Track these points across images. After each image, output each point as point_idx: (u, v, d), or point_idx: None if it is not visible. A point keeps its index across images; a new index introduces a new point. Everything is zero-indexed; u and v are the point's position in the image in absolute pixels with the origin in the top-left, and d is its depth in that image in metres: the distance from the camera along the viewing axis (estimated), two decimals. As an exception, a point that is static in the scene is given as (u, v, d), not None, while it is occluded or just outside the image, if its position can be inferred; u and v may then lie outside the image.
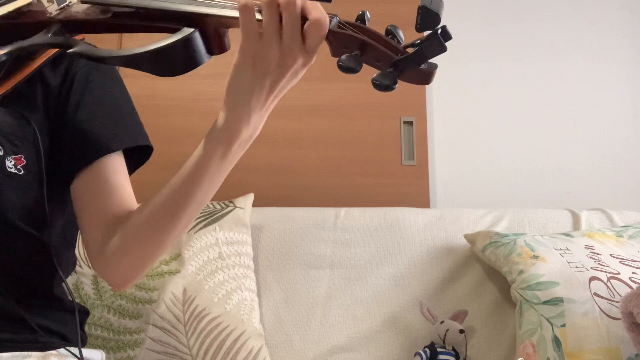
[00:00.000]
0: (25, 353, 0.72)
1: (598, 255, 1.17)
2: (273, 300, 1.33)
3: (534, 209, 1.47)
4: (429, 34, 0.55)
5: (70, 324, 0.83)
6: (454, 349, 1.19)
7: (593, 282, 1.09)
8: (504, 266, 1.22)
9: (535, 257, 1.17)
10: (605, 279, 1.10)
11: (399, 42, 0.58)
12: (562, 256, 1.17)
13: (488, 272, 1.33)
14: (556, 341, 1.04)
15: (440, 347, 1.18)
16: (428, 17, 0.54)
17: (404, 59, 0.56)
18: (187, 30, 0.60)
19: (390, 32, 0.59)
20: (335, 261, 1.38)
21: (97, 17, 0.65)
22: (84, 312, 0.90)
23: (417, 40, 0.56)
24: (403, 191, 1.74)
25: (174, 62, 0.60)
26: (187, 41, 0.59)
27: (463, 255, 1.37)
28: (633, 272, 1.11)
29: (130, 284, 0.80)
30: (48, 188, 0.76)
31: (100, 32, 0.66)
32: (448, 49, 0.55)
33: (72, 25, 0.66)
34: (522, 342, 1.11)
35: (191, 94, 1.80)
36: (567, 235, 1.28)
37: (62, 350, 0.76)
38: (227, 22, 0.62)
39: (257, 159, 1.73)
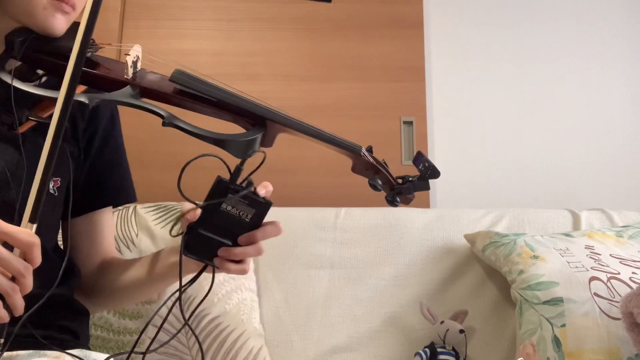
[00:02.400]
0: (42, 352, 0.74)
1: (598, 255, 1.17)
2: (273, 300, 1.33)
3: (534, 209, 1.47)
4: (423, 177, 0.83)
5: (78, 321, 0.88)
6: (454, 349, 1.19)
7: (593, 282, 1.09)
8: (504, 266, 1.22)
9: (535, 257, 1.17)
10: (605, 279, 1.10)
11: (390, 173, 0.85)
12: (562, 256, 1.17)
13: (488, 272, 1.33)
14: (556, 341, 1.04)
15: (440, 347, 1.18)
16: (433, 173, 0.82)
17: (402, 187, 0.83)
18: (260, 129, 0.77)
19: (385, 163, 0.85)
20: (335, 261, 1.38)
21: (166, 91, 0.75)
22: (86, 313, 0.91)
23: (408, 176, 0.84)
24: (403, 191, 1.74)
25: (246, 149, 0.75)
26: (258, 138, 0.76)
27: (463, 255, 1.37)
28: (633, 272, 1.12)
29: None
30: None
31: (163, 103, 0.76)
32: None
33: (147, 92, 0.75)
34: (522, 342, 1.11)
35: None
36: (567, 235, 1.28)
37: (72, 351, 0.78)
38: (282, 129, 0.79)
39: (257, 159, 1.73)
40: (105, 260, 0.96)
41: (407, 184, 0.83)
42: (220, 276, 1.25)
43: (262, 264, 1.38)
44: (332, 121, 1.76)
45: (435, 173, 0.83)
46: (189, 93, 0.76)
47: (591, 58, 1.88)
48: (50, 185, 0.80)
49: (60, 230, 0.93)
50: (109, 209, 0.97)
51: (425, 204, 1.73)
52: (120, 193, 0.97)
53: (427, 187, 0.83)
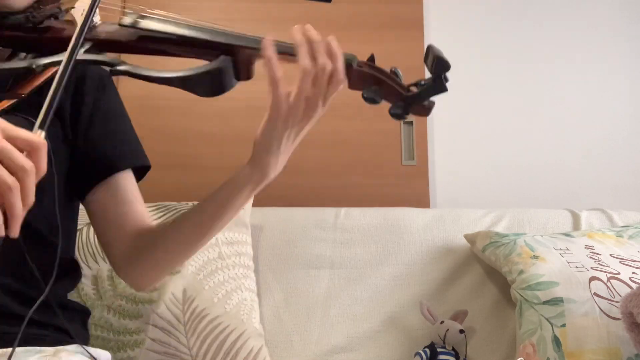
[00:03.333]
0: (38, 348, 0.73)
1: (598, 255, 1.17)
2: (273, 300, 1.33)
3: (534, 209, 1.47)
4: (435, 77, 0.65)
5: (75, 321, 0.86)
6: (454, 349, 1.19)
7: (593, 282, 1.09)
8: (504, 266, 1.22)
9: (535, 257, 1.17)
10: (605, 279, 1.10)
11: (401, 80, 0.69)
12: (562, 256, 1.17)
13: (488, 272, 1.33)
14: (556, 341, 1.04)
15: (440, 347, 1.18)
16: (441, 65, 0.64)
17: (414, 96, 0.67)
18: (224, 58, 0.68)
19: (395, 73, 0.69)
20: (335, 261, 1.38)
21: (125, 39, 0.71)
22: (86, 312, 0.91)
23: (421, 80, 0.67)
24: (403, 191, 1.74)
25: (212, 85, 0.68)
26: (225, 68, 0.67)
27: (463, 255, 1.37)
28: (633, 272, 1.11)
29: (154, 286, 1.02)
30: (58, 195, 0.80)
31: (126, 53, 0.72)
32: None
33: (101, 45, 0.71)
34: (522, 342, 1.11)
35: (191, 94, 1.80)
36: (567, 235, 1.28)
37: (69, 347, 0.78)
38: (257, 55, 0.70)
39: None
40: (144, 228, 0.88)
41: (420, 91, 0.67)
42: (220, 276, 1.25)
43: (262, 264, 1.38)
44: (332, 121, 1.76)
45: (442, 66, 0.65)
46: (147, 36, 0.71)
47: (591, 58, 1.88)
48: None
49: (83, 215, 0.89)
50: (124, 175, 0.88)
51: (425, 204, 1.73)
52: (126, 155, 0.89)
53: (444, 88, 0.66)
